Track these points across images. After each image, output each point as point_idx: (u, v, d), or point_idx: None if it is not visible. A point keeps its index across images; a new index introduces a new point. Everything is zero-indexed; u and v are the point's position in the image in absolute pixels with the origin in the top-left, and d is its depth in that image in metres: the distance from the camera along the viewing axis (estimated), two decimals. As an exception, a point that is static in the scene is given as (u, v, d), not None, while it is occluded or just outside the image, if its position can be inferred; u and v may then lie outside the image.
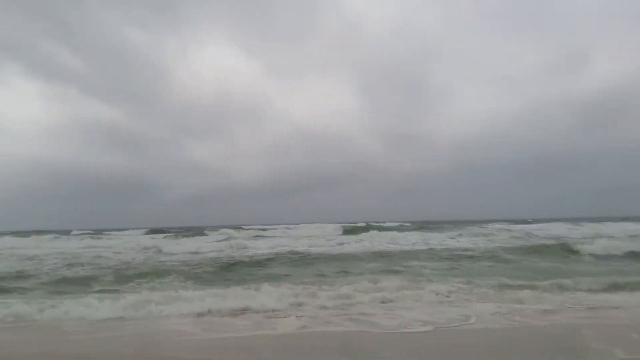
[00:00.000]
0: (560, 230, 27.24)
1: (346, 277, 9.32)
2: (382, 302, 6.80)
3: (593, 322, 5.52)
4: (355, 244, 18.60)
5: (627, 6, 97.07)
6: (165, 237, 27.92)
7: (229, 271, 11.10)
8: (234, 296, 6.98)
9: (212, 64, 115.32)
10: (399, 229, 30.62)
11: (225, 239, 22.52)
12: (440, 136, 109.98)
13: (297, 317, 5.88)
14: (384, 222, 40.51)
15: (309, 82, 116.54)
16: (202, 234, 28.66)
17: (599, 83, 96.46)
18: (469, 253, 13.93)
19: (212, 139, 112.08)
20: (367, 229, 29.03)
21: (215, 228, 36.52)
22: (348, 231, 28.41)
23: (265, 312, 6.24)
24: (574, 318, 5.79)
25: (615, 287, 8.04)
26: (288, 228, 33.52)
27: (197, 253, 15.90)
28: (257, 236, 25.98)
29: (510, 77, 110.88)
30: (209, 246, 18.69)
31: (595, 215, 58.09)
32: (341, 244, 19.17)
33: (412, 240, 20.55)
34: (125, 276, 9.86)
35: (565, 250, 14.44)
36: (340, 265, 11.70)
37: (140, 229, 45.91)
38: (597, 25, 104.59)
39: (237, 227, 36.60)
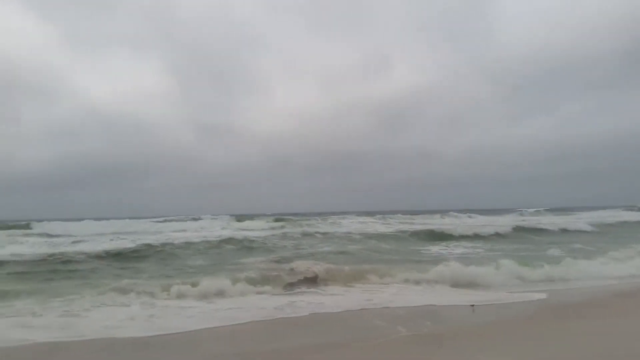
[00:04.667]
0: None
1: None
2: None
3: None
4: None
5: (428, 19, 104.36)
6: None
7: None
8: None
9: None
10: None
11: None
12: (256, 129, 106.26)
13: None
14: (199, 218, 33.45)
15: (113, 58, 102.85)
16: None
17: (399, 89, 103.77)
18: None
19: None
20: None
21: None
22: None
23: None
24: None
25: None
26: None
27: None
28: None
29: (328, 77, 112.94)
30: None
31: (387, 209, 59.72)
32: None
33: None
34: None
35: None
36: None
37: None
38: (401, 34, 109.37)
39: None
